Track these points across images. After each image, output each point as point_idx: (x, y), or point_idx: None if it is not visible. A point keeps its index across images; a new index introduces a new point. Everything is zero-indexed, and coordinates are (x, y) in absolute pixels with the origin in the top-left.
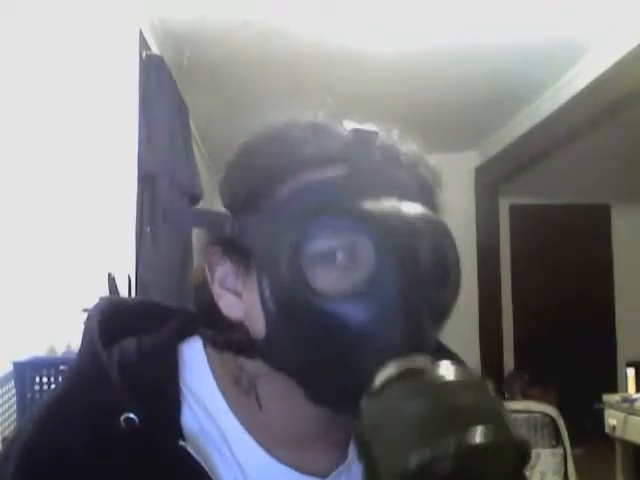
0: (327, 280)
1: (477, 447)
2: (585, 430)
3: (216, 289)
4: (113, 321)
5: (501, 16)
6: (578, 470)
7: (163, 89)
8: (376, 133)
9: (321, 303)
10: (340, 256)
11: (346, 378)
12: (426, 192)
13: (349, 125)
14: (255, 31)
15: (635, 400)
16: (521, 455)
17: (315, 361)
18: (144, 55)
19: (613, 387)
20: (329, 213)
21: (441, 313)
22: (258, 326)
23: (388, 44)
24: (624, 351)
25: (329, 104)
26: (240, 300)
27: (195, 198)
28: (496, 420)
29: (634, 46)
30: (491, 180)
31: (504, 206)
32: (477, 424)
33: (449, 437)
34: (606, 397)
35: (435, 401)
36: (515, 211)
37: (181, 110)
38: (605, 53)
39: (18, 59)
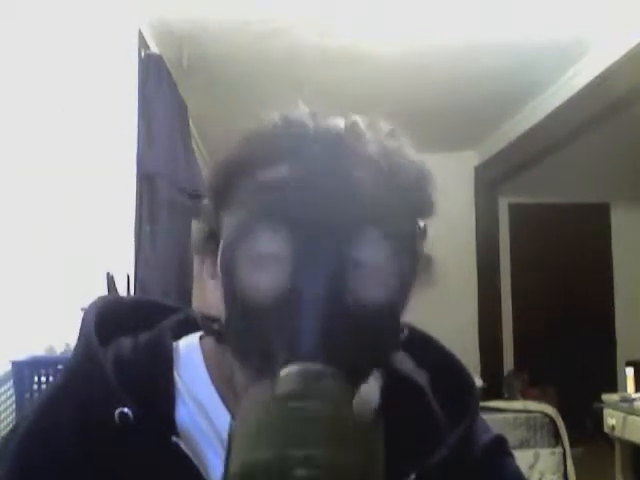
0: (255, 280)
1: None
2: (584, 430)
3: (204, 276)
4: (109, 319)
5: (501, 16)
6: (577, 469)
7: (162, 88)
8: (337, 132)
9: (246, 302)
10: (266, 262)
11: (264, 365)
12: (403, 189)
13: (313, 122)
14: (255, 31)
15: (634, 400)
16: None
17: (246, 352)
18: (143, 54)
19: (612, 387)
20: (257, 222)
21: (375, 322)
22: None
23: (388, 44)
24: (623, 351)
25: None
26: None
27: (194, 197)
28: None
29: (633, 45)
30: (490, 179)
31: (503, 205)
32: (300, 466)
33: (266, 454)
34: (605, 397)
35: (281, 423)
36: (514, 210)
37: (181, 110)
38: (604, 52)
39: (18, 58)
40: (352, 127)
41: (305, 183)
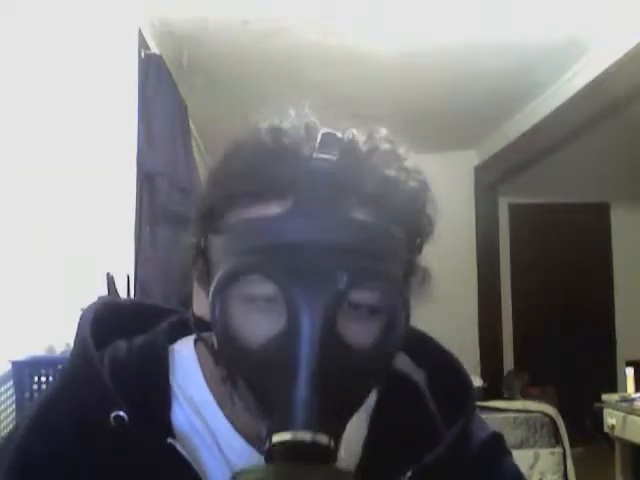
0: (247, 319)
1: None
2: (584, 430)
3: (196, 286)
4: (107, 322)
5: (501, 16)
6: (577, 469)
7: (162, 88)
8: (332, 165)
9: (237, 346)
10: (258, 304)
11: (259, 399)
12: (408, 206)
13: (308, 144)
14: (255, 31)
15: (634, 399)
16: None
17: (238, 386)
18: (143, 54)
19: (612, 387)
20: (247, 266)
21: (370, 373)
22: None
23: (388, 44)
24: (623, 350)
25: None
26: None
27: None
28: None
29: (633, 45)
30: (490, 179)
31: (503, 205)
32: None
33: None
34: (605, 397)
35: None
36: (514, 210)
37: (181, 110)
38: (604, 53)
39: (18, 58)
40: (349, 153)
41: (297, 226)
